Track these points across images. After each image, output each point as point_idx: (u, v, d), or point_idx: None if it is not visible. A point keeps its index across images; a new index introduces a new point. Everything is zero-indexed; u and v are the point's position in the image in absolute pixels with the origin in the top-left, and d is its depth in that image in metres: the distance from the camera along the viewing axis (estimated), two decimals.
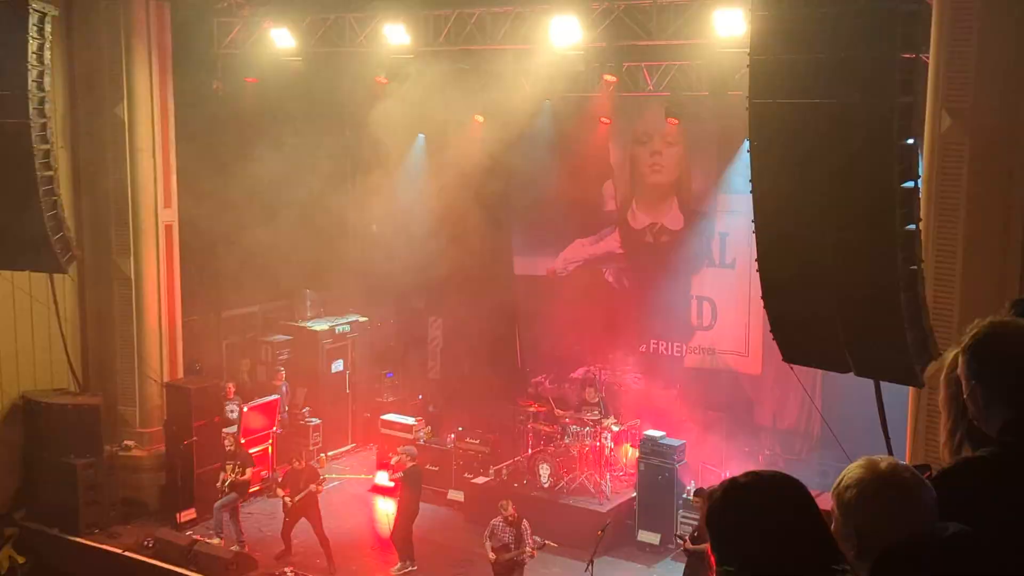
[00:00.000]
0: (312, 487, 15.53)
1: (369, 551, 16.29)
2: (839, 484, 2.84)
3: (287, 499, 15.60)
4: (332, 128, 20.05)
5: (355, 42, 17.10)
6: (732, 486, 2.71)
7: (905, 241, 10.02)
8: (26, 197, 14.74)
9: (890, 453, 10.47)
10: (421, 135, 20.50)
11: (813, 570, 2.60)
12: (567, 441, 17.24)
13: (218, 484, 16.01)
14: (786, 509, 2.66)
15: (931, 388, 10.46)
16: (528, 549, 13.86)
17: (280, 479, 16.53)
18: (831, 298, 10.38)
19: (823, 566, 2.61)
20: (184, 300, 17.76)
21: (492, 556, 13.96)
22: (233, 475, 15.91)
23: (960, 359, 3.08)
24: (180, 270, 17.63)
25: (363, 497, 18.27)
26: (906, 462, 2.95)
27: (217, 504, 15.95)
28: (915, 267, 10.10)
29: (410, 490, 15.60)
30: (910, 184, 10.00)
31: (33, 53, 14.38)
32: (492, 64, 17.67)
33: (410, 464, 15.68)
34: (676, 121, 17.36)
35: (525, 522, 14.05)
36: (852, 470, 2.85)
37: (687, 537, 13.76)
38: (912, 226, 10.08)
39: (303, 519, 15.68)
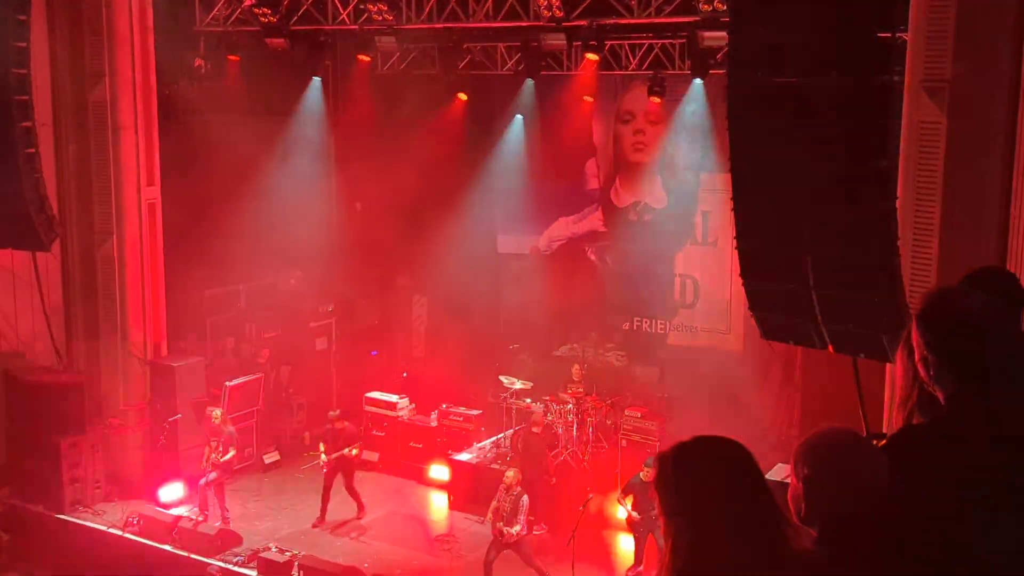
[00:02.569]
0: (347, 450, 16.10)
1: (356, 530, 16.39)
2: (795, 450, 2.93)
3: (324, 455, 16.12)
4: (315, 106, 20.03)
5: (337, 19, 17.10)
6: (679, 449, 2.81)
7: (882, 219, 10.09)
8: (8, 175, 14.72)
9: (867, 428, 10.62)
10: (404, 112, 20.49)
11: (757, 526, 2.69)
12: (549, 418, 17.33)
13: (203, 463, 16.06)
14: (729, 469, 2.75)
15: None
16: (515, 529, 13.93)
17: (319, 436, 16.97)
18: (808, 275, 10.46)
19: (767, 522, 2.70)
20: (167, 278, 17.76)
21: (488, 516, 14.16)
22: (216, 454, 15.95)
23: (914, 327, 3.15)
24: (163, 248, 17.62)
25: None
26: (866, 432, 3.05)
27: (201, 481, 16.00)
28: (891, 245, 10.18)
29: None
30: (887, 163, 10.07)
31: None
32: (474, 42, 17.69)
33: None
34: (659, 100, 17.42)
35: (525, 498, 14.11)
36: (808, 438, 2.94)
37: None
38: (889, 204, 10.16)
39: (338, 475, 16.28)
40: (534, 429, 16.14)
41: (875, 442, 3.11)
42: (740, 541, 2.67)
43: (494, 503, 14.16)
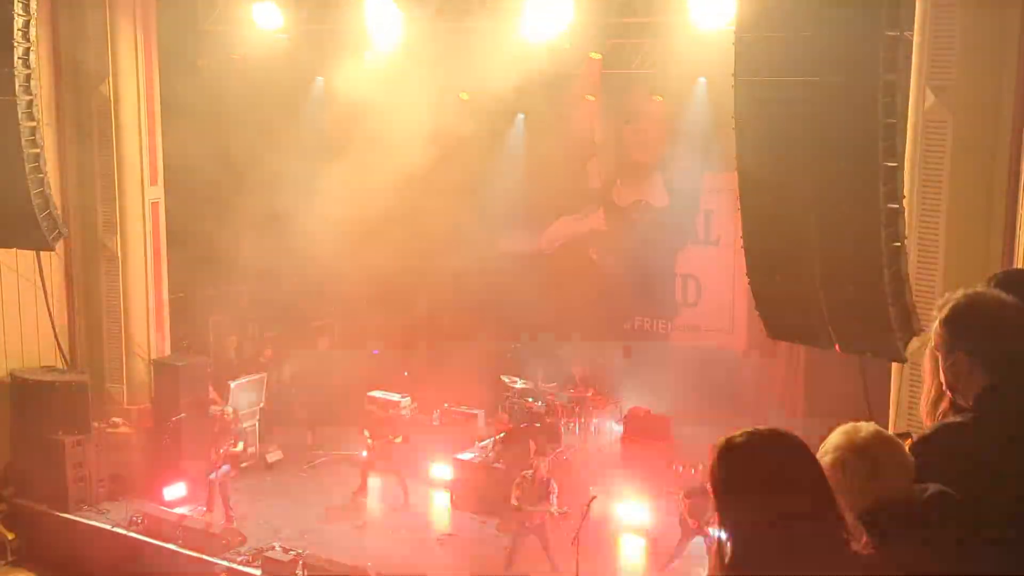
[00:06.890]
0: (390, 437, 16.81)
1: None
2: (822, 449, 2.96)
3: (369, 439, 16.77)
4: (318, 105, 20.06)
5: (341, 19, 17.12)
6: (728, 445, 2.80)
7: (888, 218, 10.13)
8: (12, 175, 14.73)
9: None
10: (407, 113, 20.48)
11: (812, 515, 2.68)
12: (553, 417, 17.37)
13: (212, 456, 16.06)
14: (785, 457, 2.74)
15: (914, 363, 10.60)
16: (548, 507, 13.91)
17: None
18: (815, 275, 10.49)
19: (823, 512, 2.69)
20: (170, 277, 17.78)
21: (513, 503, 14.15)
22: (227, 446, 16.00)
23: (938, 331, 3.19)
24: (166, 247, 17.63)
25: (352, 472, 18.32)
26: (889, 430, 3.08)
27: (212, 475, 15.98)
28: (898, 244, 10.21)
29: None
30: (893, 162, 10.11)
31: (19, 30, 14.29)
32: (478, 41, 17.68)
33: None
34: (661, 99, 17.45)
35: (553, 483, 14.15)
36: (834, 436, 2.98)
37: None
38: (895, 204, 10.19)
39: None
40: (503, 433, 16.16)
41: (902, 441, 3.15)
42: (793, 540, 2.65)
43: (517, 491, 14.17)
